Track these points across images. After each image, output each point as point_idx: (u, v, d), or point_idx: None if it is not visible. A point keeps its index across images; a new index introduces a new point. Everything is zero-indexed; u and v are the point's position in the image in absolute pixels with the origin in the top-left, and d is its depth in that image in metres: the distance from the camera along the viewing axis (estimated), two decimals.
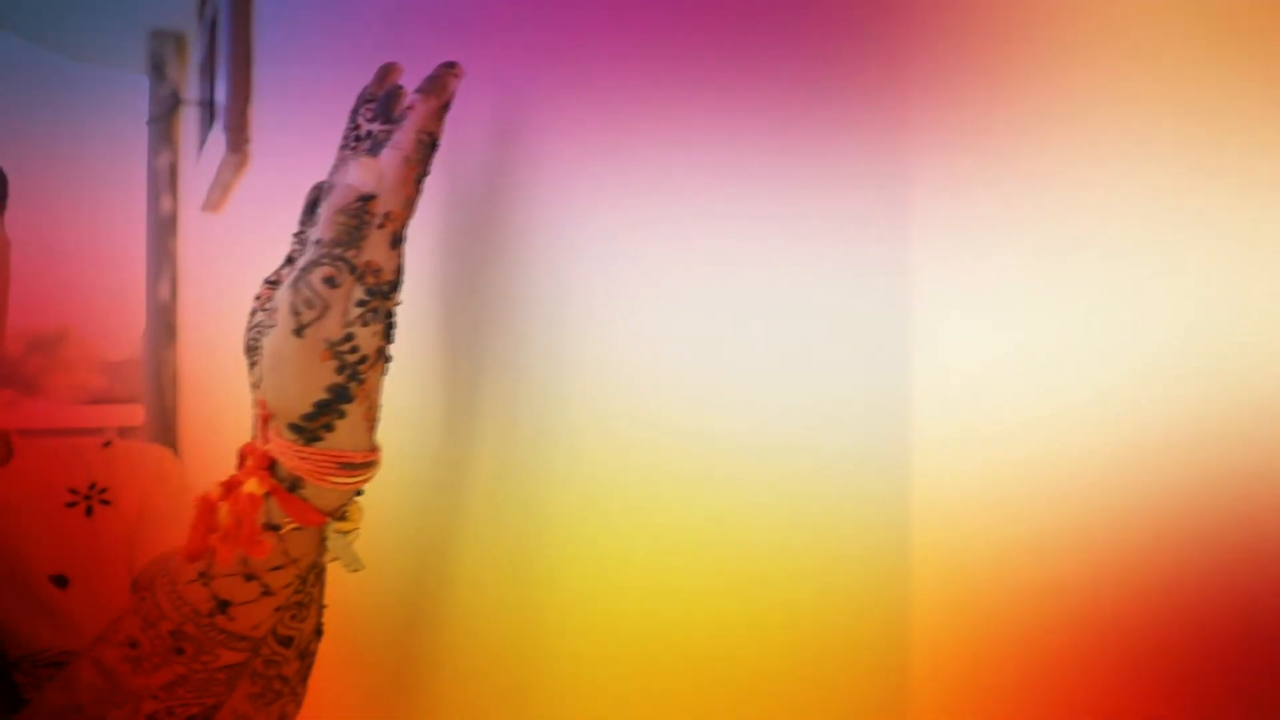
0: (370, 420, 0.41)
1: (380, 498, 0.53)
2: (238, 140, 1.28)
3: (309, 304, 0.38)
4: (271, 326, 0.39)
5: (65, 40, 2.72)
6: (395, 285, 0.40)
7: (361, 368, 0.39)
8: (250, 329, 0.51)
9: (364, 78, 1.05)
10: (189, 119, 2.32)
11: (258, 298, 0.52)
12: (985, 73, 0.23)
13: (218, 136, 1.37)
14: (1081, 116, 0.21)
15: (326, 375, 0.39)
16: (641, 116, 0.39)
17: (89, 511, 0.70)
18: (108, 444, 0.77)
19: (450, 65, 0.44)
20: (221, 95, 1.32)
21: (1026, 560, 0.22)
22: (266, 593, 0.42)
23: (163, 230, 2.60)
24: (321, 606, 0.53)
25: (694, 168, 0.35)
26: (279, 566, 0.41)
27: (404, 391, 0.60)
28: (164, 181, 2.61)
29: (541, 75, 0.47)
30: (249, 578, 0.41)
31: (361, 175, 0.38)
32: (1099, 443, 0.21)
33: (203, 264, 2.33)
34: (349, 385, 0.39)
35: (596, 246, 0.44)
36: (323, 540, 0.42)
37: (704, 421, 0.34)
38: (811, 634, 0.27)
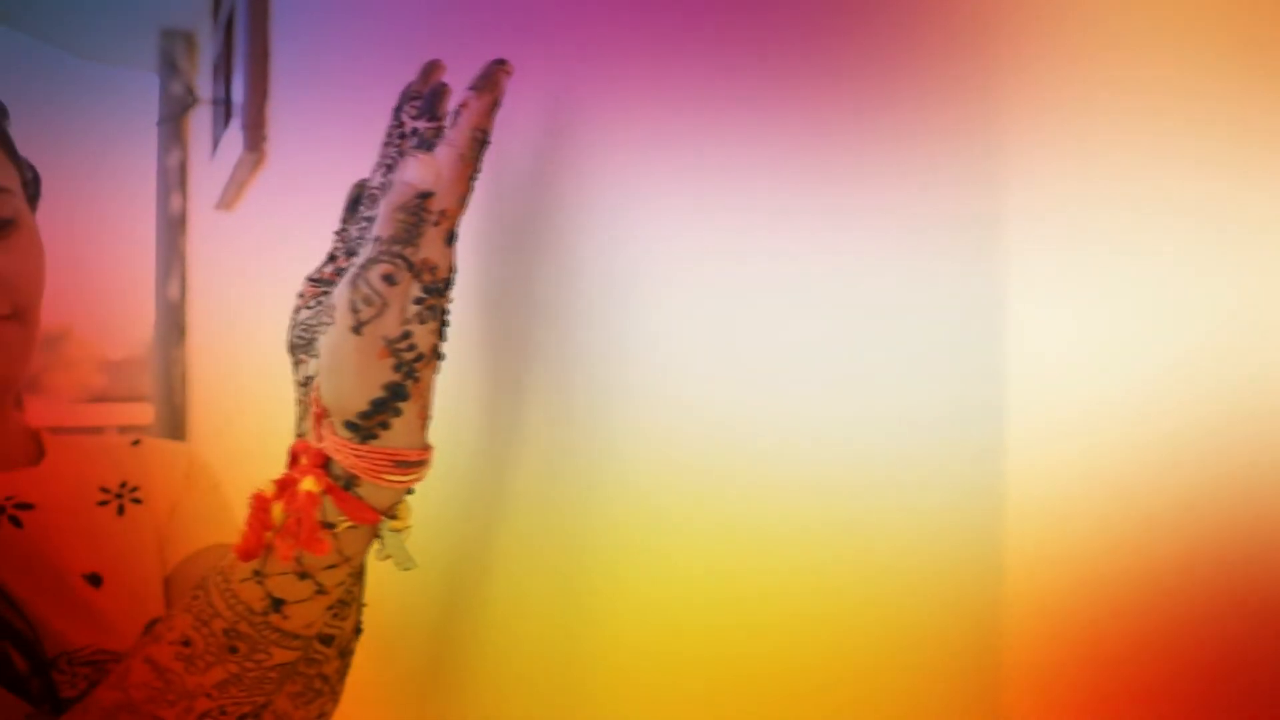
0: (424, 418, 0.41)
1: (421, 496, 0.53)
2: (255, 138, 1.28)
3: (368, 301, 0.37)
4: (328, 324, 0.39)
5: (74, 39, 2.72)
6: (449, 283, 0.40)
7: (418, 365, 0.39)
8: (295, 327, 0.51)
9: (380, 75, 1.05)
10: (201, 117, 2.32)
11: (301, 295, 0.52)
12: (1076, 63, 0.23)
13: (234, 135, 1.37)
14: (1176, 107, 0.21)
15: (384, 373, 0.38)
16: (705, 108, 0.38)
17: (121, 510, 0.70)
18: (137, 442, 0.77)
19: (500, 62, 0.44)
20: (238, 93, 1.32)
21: (1125, 554, 0.22)
22: (320, 591, 0.42)
23: (172, 229, 2.60)
24: (361, 605, 0.53)
25: (768, 163, 0.34)
26: (332, 565, 0.41)
27: (448, 390, 0.60)
28: (174, 180, 2.61)
29: (587, 70, 0.47)
30: (303, 576, 0.41)
31: (420, 173, 0.38)
32: (1198, 431, 0.21)
33: (214, 263, 2.33)
34: (405, 383, 0.39)
35: (647, 242, 0.44)
36: (375, 539, 0.42)
37: (771, 418, 0.34)
38: (904, 633, 0.26)
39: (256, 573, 0.41)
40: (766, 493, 0.35)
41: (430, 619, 0.62)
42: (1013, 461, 0.24)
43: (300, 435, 0.53)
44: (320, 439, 0.41)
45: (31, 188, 0.67)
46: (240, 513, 0.78)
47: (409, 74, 0.67)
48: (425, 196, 0.38)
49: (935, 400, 0.26)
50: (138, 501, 0.72)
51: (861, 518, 0.29)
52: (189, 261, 2.67)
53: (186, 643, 0.41)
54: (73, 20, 2.69)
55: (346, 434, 0.39)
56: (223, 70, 1.59)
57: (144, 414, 2.82)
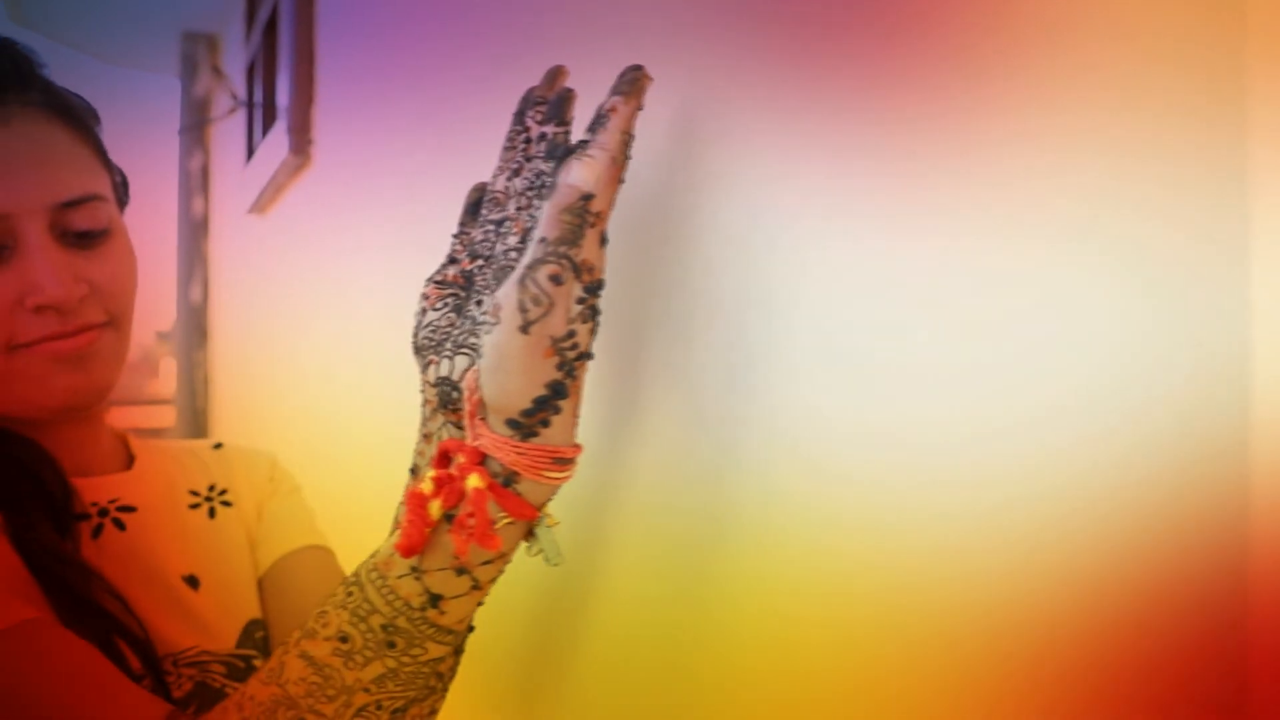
0: (577, 416, 0.42)
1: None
2: (301, 142, 1.29)
3: (536, 301, 0.38)
4: (492, 324, 0.39)
5: (95, 42, 2.73)
6: (602, 283, 0.41)
7: (577, 364, 0.40)
8: (423, 328, 0.51)
9: (422, 78, 1.06)
10: (229, 121, 2.33)
11: (425, 297, 0.53)
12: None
13: (277, 138, 1.38)
14: None
15: (548, 371, 0.39)
16: (839, 111, 0.39)
17: (212, 513, 0.71)
18: (219, 446, 0.78)
19: (640, 68, 0.45)
20: (282, 97, 1.32)
21: None
22: (475, 586, 0.42)
23: (195, 232, 2.61)
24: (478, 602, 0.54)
25: (902, 167, 0.35)
26: (488, 561, 0.42)
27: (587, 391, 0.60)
28: (196, 183, 2.61)
29: (732, 73, 0.48)
30: (460, 572, 0.42)
31: (583, 175, 0.39)
32: None
33: (238, 267, 2.33)
34: (565, 381, 0.40)
35: (779, 246, 0.44)
36: (529, 535, 0.43)
37: (899, 424, 0.34)
38: (1138, 632, 0.27)
39: (414, 569, 0.42)
40: (896, 499, 0.36)
41: (543, 619, 0.63)
42: (1256, 456, 0.25)
43: (426, 435, 0.54)
44: (476, 436, 0.41)
45: (121, 191, 0.68)
46: (321, 516, 0.78)
47: (451, 76, 0.68)
48: (587, 199, 0.39)
49: (1177, 394, 0.27)
50: (227, 504, 0.72)
51: (999, 522, 0.29)
52: (211, 265, 2.68)
53: (344, 639, 0.42)
54: (93, 24, 2.69)
55: (508, 431, 0.40)
56: (259, 74, 1.59)
57: (165, 417, 2.82)
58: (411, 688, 0.43)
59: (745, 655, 0.45)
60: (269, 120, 1.56)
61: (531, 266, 0.38)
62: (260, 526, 0.73)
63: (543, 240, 0.38)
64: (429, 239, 1.00)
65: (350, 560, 0.73)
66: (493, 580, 0.43)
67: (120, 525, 0.64)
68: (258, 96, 1.58)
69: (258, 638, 0.67)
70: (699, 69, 0.50)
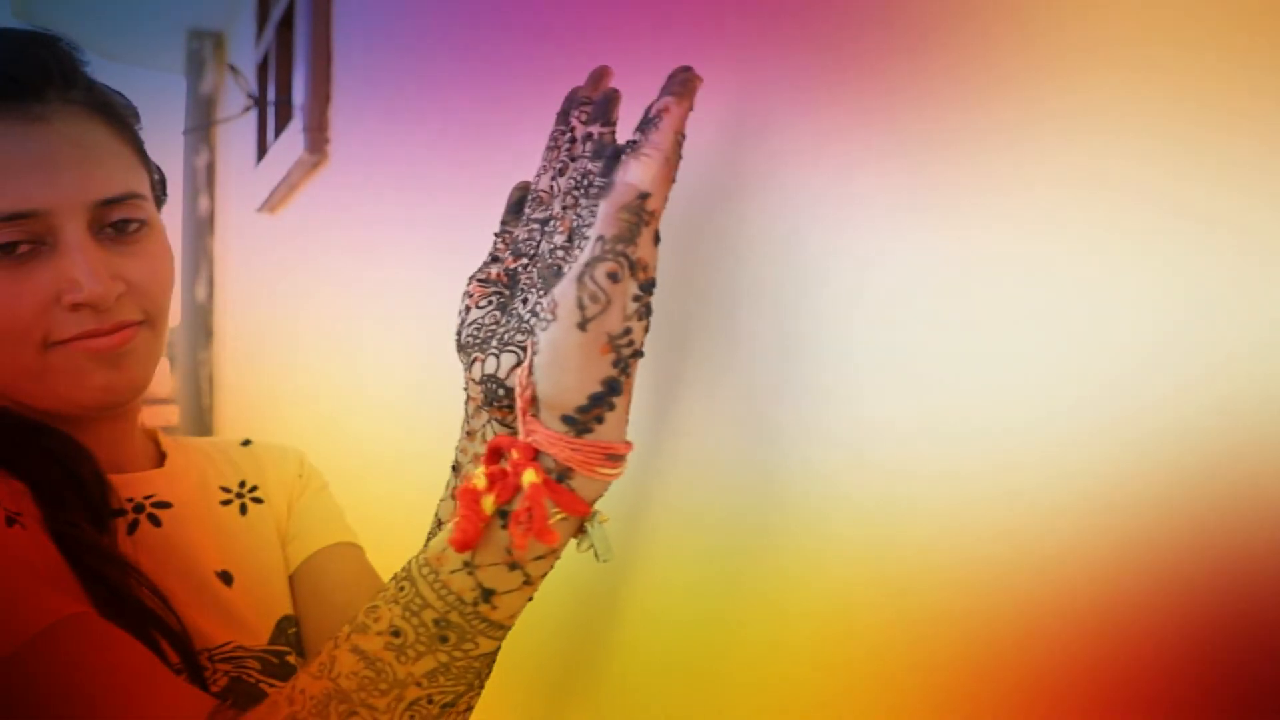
0: (628, 413, 0.42)
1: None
2: (318, 141, 1.29)
3: (594, 299, 0.38)
4: (551, 320, 0.40)
5: (100, 40, 2.72)
6: (654, 281, 0.41)
7: (631, 361, 0.40)
8: (467, 326, 0.52)
9: (438, 77, 1.06)
10: (237, 119, 2.33)
11: (469, 295, 0.53)
12: None
13: (292, 137, 1.38)
14: None
15: (604, 368, 0.40)
16: (893, 109, 0.39)
17: (243, 510, 0.71)
18: (247, 443, 0.78)
19: (688, 69, 0.45)
20: (299, 95, 1.32)
21: None
22: (527, 582, 0.42)
23: (200, 230, 2.61)
24: None
25: (958, 162, 0.35)
26: (540, 556, 0.42)
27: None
28: (201, 181, 2.61)
29: (777, 73, 0.48)
30: (513, 567, 0.42)
31: (641, 174, 0.39)
32: None
33: (244, 265, 2.33)
34: (620, 378, 0.40)
35: (834, 245, 0.45)
36: (578, 531, 0.43)
37: (959, 422, 0.35)
38: (1220, 631, 0.27)
39: (467, 564, 0.42)
40: (946, 494, 0.36)
41: (583, 618, 0.63)
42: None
43: (469, 431, 0.54)
44: (529, 432, 0.41)
45: (159, 189, 0.68)
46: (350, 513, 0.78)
47: (468, 76, 0.67)
48: (644, 197, 0.39)
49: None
50: (259, 501, 0.72)
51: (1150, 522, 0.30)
52: (217, 263, 2.68)
53: (396, 633, 0.42)
54: (99, 22, 2.69)
55: (562, 428, 0.40)
56: (271, 72, 1.60)
57: (169, 416, 2.82)
58: (461, 682, 0.43)
59: (790, 655, 0.45)
60: (282, 119, 1.56)
61: (590, 264, 0.39)
62: (291, 523, 0.73)
63: (600, 238, 0.39)
64: (445, 238, 1.01)
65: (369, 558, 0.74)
66: (543, 576, 0.43)
67: (156, 521, 0.64)
68: (270, 95, 1.58)
69: (290, 633, 0.67)
70: (747, 66, 0.50)
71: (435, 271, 1.04)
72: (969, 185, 0.37)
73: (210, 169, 2.65)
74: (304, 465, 0.77)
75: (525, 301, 0.50)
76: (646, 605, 0.56)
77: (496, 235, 0.55)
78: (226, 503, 0.70)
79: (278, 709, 0.43)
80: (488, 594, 0.42)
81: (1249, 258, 0.27)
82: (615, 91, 0.51)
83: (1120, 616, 0.30)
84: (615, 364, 0.40)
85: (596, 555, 0.43)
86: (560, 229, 0.50)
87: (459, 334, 0.52)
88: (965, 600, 0.36)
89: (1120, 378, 0.31)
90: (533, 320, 0.44)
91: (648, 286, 0.41)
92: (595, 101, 0.52)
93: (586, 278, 0.39)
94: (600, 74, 0.53)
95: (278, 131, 1.56)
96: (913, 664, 0.39)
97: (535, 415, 0.42)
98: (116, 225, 0.58)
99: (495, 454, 0.44)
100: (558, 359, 0.40)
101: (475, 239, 0.96)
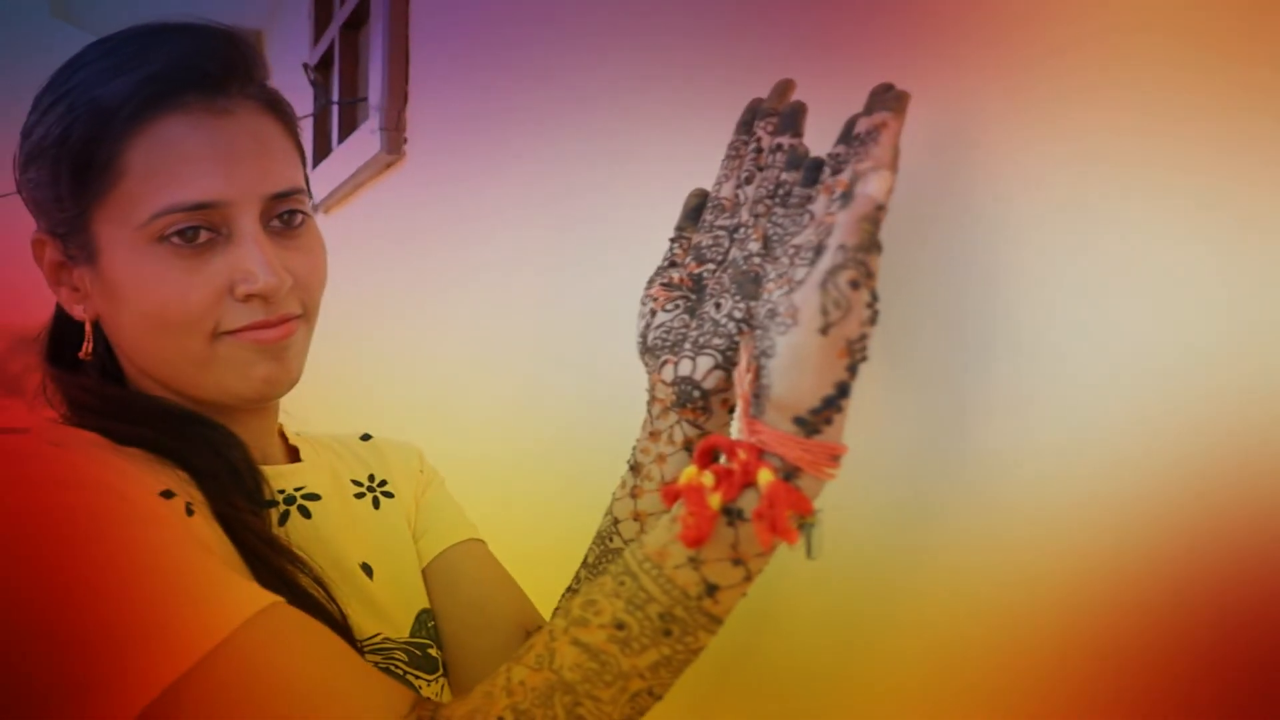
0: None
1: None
2: (395, 141, 1.30)
3: (837, 304, 0.40)
4: (790, 325, 0.41)
5: None
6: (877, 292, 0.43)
7: (860, 365, 0.42)
8: (655, 329, 0.53)
9: (513, 81, 1.07)
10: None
11: (654, 299, 0.54)
12: None
13: (364, 137, 1.39)
14: None
15: (839, 372, 0.41)
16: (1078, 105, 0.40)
17: (376, 504, 0.72)
18: (367, 437, 0.79)
19: (891, 86, 0.46)
20: (374, 95, 1.34)
21: None
22: (747, 578, 0.44)
23: None
24: None
25: (1154, 158, 0.36)
26: (761, 553, 0.43)
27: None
28: None
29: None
30: (736, 563, 0.43)
31: (880, 186, 0.41)
32: None
33: None
34: (850, 382, 0.42)
35: (1023, 241, 0.46)
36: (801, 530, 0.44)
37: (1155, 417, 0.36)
38: None
39: (692, 559, 0.43)
40: (1162, 498, 0.37)
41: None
42: None
43: (653, 433, 0.55)
44: (753, 432, 0.43)
45: (309, 186, 0.69)
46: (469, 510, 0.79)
47: (536, 79, 0.66)
48: (880, 209, 0.41)
49: None
50: (389, 495, 0.73)
51: None
52: None
53: (620, 626, 0.43)
54: (134, 20, 2.69)
55: (794, 429, 0.42)
56: (357, 72, 1.60)
57: None
58: (677, 675, 0.45)
59: (971, 653, 0.47)
60: (346, 119, 1.57)
61: (832, 271, 0.40)
62: (420, 518, 0.74)
63: (842, 246, 0.40)
64: (528, 238, 1.02)
65: None
66: (759, 572, 0.44)
67: (306, 513, 0.65)
68: (334, 95, 1.59)
69: (430, 626, 0.68)
70: (948, 73, 0.51)
71: (516, 272, 1.06)
72: (1188, 184, 0.38)
73: None
74: (423, 460, 0.79)
75: (719, 306, 0.51)
76: (827, 604, 0.57)
77: (672, 240, 0.57)
78: (359, 496, 0.71)
79: (495, 700, 0.44)
80: (711, 589, 0.43)
81: None
82: (802, 104, 0.53)
83: None
84: (848, 368, 0.41)
85: (808, 552, 0.44)
86: (754, 236, 0.51)
87: (644, 336, 0.53)
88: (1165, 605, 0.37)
89: None
90: (766, 324, 0.45)
91: (876, 293, 0.42)
92: (782, 113, 0.53)
93: (829, 284, 0.40)
94: (785, 86, 0.55)
95: (342, 132, 1.58)
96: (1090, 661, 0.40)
97: (757, 416, 0.43)
98: (283, 218, 0.59)
99: (708, 454, 0.45)
100: (798, 362, 0.41)
101: (554, 239, 0.98)
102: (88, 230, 0.57)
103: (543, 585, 0.72)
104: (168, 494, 0.53)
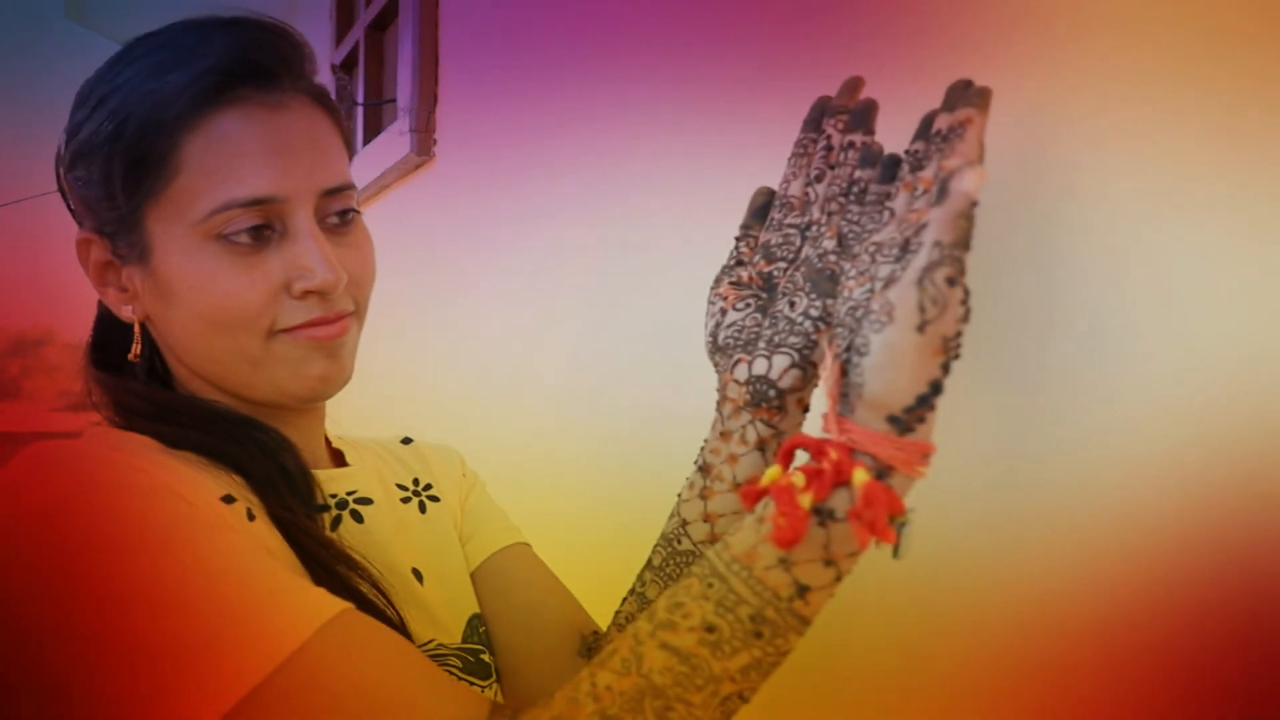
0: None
1: None
2: (425, 142, 1.30)
3: (934, 302, 0.39)
4: (886, 323, 0.40)
5: None
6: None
7: (953, 363, 0.41)
8: (726, 328, 0.52)
9: (542, 83, 1.06)
10: None
11: (724, 298, 0.54)
12: None
13: (393, 138, 1.39)
14: None
15: (933, 370, 0.40)
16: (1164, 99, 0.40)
17: (422, 508, 0.71)
18: (408, 441, 0.78)
19: (969, 83, 0.46)
20: (403, 97, 1.33)
21: None
22: (837, 579, 0.43)
23: None
24: None
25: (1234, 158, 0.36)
26: (853, 553, 0.43)
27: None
28: None
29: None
30: (827, 563, 0.42)
31: (973, 183, 0.40)
32: None
33: None
34: (943, 380, 0.41)
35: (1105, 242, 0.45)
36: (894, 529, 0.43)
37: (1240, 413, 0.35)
38: None
39: (783, 560, 0.42)
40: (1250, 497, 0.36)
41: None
42: None
43: (723, 433, 0.54)
44: (844, 431, 0.42)
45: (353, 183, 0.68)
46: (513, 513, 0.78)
47: (567, 78, 0.65)
48: (974, 205, 0.40)
49: None
50: (435, 499, 0.72)
51: None
52: None
53: (710, 629, 0.43)
54: (147, 19, 2.69)
55: (887, 427, 0.41)
56: (360, 73, 1.60)
57: None
58: (766, 678, 0.44)
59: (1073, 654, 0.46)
60: (370, 120, 1.57)
61: (928, 268, 0.39)
62: (465, 522, 0.73)
63: (938, 243, 0.39)
64: (545, 242, 1.01)
65: None
66: (848, 572, 0.44)
67: (358, 518, 0.64)
68: (359, 96, 1.58)
69: (481, 631, 0.67)
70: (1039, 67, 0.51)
71: (548, 274, 1.05)
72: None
73: None
74: (464, 464, 0.78)
75: (793, 305, 0.50)
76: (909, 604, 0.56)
77: (738, 239, 0.56)
78: (405, 500, 0.70)
79: (581, 706, 0.43)
80: (802, 590, 0.42)
81: None
82: (873, 102, 0.52)
83: None
84: (943, 365, 0.40)
85: (895, 552, 0.44)
86: (828, 234, 0.50)
87: (714, 336, 0.53)
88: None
89: None
90: (861, 321, 0.44)
91: (967, 290, 0.41)
92: (853, 110, 0.52)
93: (926, 282, 0.39)
94: (855, 83, 0.54)
95: (367, 133, 1.57)
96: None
97: (846, 415, 0.42)
98: (336, 214, 0.59)
99: (789, 454, 0.44)
100: (893, 360, 0.40)
101: (587, 241, 0.97)
102: (140, 228, 0.56)
103: (580, 589, 0.71)
104: (229, 499, 0.53)
